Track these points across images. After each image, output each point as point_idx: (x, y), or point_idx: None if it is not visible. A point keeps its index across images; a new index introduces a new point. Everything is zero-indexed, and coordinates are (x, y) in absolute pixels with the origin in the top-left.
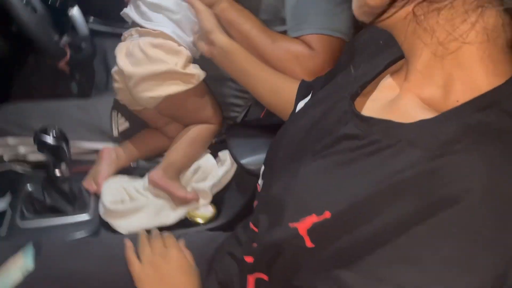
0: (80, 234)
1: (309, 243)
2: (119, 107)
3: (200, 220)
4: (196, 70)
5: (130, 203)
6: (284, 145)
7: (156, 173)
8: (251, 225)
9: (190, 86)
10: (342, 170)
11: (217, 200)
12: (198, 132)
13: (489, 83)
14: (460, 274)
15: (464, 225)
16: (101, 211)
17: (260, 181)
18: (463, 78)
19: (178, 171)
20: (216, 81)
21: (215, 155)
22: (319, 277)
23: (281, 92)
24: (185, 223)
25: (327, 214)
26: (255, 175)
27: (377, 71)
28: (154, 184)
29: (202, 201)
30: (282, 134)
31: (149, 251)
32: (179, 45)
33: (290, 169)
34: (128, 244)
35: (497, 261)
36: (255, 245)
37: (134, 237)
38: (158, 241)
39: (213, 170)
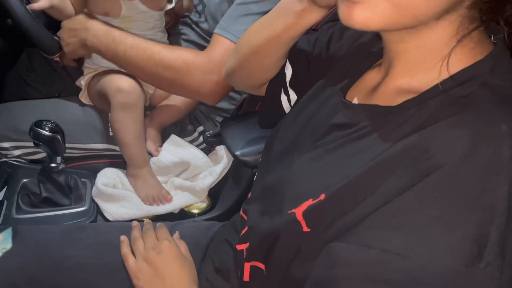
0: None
1: (305, 228)
2: None
3: (195, 211)
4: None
5: (121, 189)
6: (280, 139)
7: None
8: (241, 213)
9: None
10: (334, 154)
11: (212, 191)
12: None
13: (468, 61)
14: (442, 234)
15: (446, 187)
16: (93, 191)
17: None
18: (441, 60)
19: (140, 163)
20: None
21: (209, 149)
22: (315, 262)
23: None
24: (180, 214)
25: (322, 196)
26: (250, 166)
27: (365, 64)
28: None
29: (195, 199)
30: (278, 129)
31: (142, 246)
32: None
33: (285, 161)
34: (123, 239)
35: (479, 220)
36: (243, 232)
37: (128, 228)
38: (150, 234)
39: (208, 168)
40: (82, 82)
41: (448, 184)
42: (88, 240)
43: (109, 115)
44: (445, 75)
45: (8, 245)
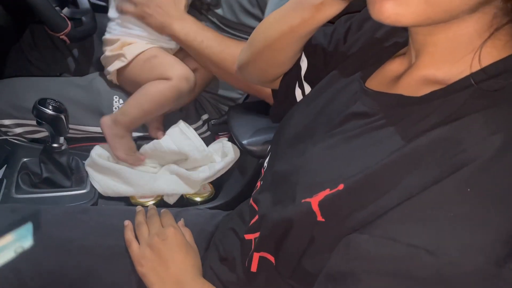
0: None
1: (319, 217)
2: (120, 93)
3: (197, 199)
4: (124, 51)
5: (114, 163)
6: (292, 126)
7: (106, 119)
8: (251, 202)
9: (124, 62)
10: (352, 143)
11: (216, 180)
12: (152, 85)
13: (499, 55)
14: (472, 231)
15: (478, 182)
16: (87, 161)
17: (265, 163)
18: (472, 53)
19: (129, 124)
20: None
21: (213, 137)
22: (329, 255)
23: None
24: (182, 201)
25: (340, 187)
26: (256, 156)
27: (385, 54)
28: (102, 128)
29: (187, 188)
30: (290, 116)
31: (146, 232)
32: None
33: (298, 149)
34: (127, 224)
35: (510, 218)
36: (253, 222)
37: (132, 212)
38: (155, 220)
39: (209, 162)
40: (126, 58)
41: (481, 180)
42: (91, 223)
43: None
44: (475, 68)
45: (26, 243)
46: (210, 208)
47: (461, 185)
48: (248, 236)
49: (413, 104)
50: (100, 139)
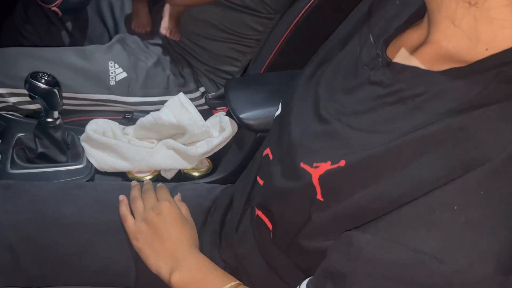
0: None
1: (319, 195)
2: (116, 57)
3: (195, 174)
4: None
5: (111, 138)
6: (298, 98)
7: None
8: (258, 179)
9: None
10: (361, 118)
11: (214, 154)
12: None
13: None
14: (483, 237)
15: (492, 186)
16: (82, 136)
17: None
18: (491, 28)
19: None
20: (215, 33)
21: (211, 112)
22: (328, 237)
23: None
24: (179, 176)
25: (342, 163)
26: (254, 130)
27: (398, 25)
28: None
29: (184, 163)
30: (295, 87)
31: (141, 206)
32: None
33: (305, 121)
34: (122, 198)
35: None
36: (253, 194)
37: (127, 187)
38: (150, 194)
39: (207, 137)
40: None
41: (495, 183)
42: (86, 198)
43: (109, 64)
44: (498, 49)
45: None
46: (208, 183)
47: (474, 187)
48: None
49: (430, 79)
50: (96, 112)
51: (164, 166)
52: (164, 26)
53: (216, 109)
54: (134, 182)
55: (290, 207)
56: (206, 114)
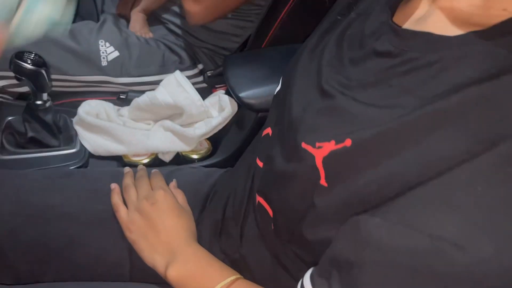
0: (65, 167)
1: (323, 180)
2: (107, 36)
3: (194, 156)
4: None
5: (105, 120)
6: (300, 72)
7: None
8: (257, 161)
9: None
10: (369, 91)
11: (214, 135)
12: None
13: None
14: (504, 224)
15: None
16: (74, 119)
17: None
18: None
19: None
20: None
21: (210, 90)
22: (333, 226)
23: None
24: (178, 159)
25: (347, 142)
26: (255, 110)
27: None
28: None
29: (183, 146)
30: (296, 61)
31: (135, 195)
32: None
33: (307, 97)
34: (113, 187)
35: None
36: (255, 179)
37: (120, 175)
38: (144, 182)
39: (206, 117)
40: None
41: None
42: (75, 187)
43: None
44: None
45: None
46: (208, 166)
47: (499, 163)
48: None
49: (445, 46)
50: (88, 93)
51: (161, 149)
52: (134, 31)
53: (215, 88)
54: (127, 169)
55: (291, 193)
56: (205, 93)
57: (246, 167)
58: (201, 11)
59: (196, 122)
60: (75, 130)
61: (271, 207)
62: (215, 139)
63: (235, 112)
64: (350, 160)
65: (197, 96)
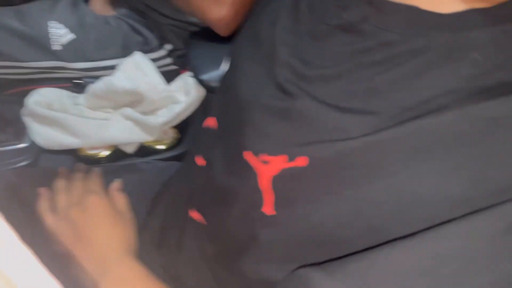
0: (14, 163)
1: (268, 207)
2: (59, 16)
3: (160, 147)
4: None
5: (57, 111)
6: (244, 54)
7: None
8: (196, 159)
9: None
10: (332, 86)
11: (182, 123)
12: None
13: None
14: None
15: None
16: (24, 110)
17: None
18: None
19: None
20: None
21: (179, 72)
22: (280, 266)
23: None
24: (144, 150)
25: (303, 161)
26: None
27: None
28: None
29: (144, 136)
30: (240, 46)
31: (64, 202)
32: None
33: (262, 71)
34: (42, 192)
35: None
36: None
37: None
38: (76, 186)
39: (171, 103)
40: None
41: None
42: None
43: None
44: None
45: None
46: (175, 157)
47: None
48: (192, 213)
49: (436, 26)
50: (40, 80)
51: (120, 140)
52: (93, 9)
53: (185, 69)
54: (61, 169)
55: (230, 217)
56: (175, 76)
57: (188, 165)
58: (228, 12)
59: (160, 109)
60: (25, 123)
61: (208, 226)
62: (184, 127)
63: (202, 96)
64: (304, 184)
65: (158, 79)
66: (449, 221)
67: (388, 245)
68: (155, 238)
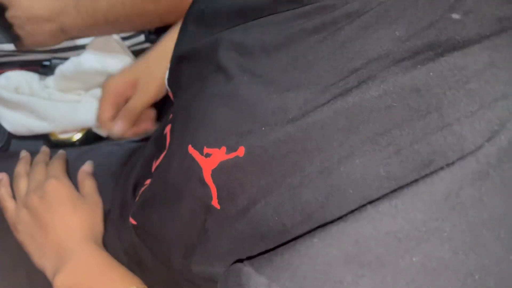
0: None
1: (214, 200)
2: None
3: None
4: None
5: (26, 95)
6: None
7: None
8: (167, 130)
9: None
10: (273, 58)
11: (161, 102)
12: None
13: None
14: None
15: (464, 202)
16: None
17: None
18: None
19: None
20: None
21: None
22: (223, 262)
23: None
24: None
25: (240, 151)
26: None
27: None
28: None
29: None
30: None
31: (24, 188)
32: None
33: (203, 54)
34: (1, 177)
35: None
36: (157, 163)
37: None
38: (38, 170)
39: None
40: None
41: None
42: None
43: None
44: None
45: None
46: (149, 137)
47: (438, 201)
48: (147, 182)
49: None
50: (6, 64)
51: (92, 123)
52: None
53: None
54: (22, 153)
55: (178, 216)
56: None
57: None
58: None
59: None
60: None
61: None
62: (160, 107)
63: None
64: (243, 175)
65: (129, 58)
66: (371, 202)
67: (311, 234)
68: (118, 221)
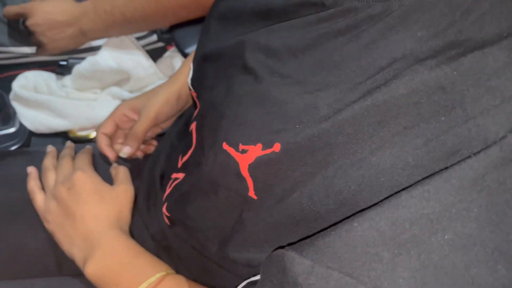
0: (5, 148)
1: (251, 192)
2: None
3: None
4: None
5: (44, 94)
6: (211, 36)
7: None
8: (192, 127)
9: None
10: (300, 60)
11: None
12: None
13: None
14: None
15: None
16: (11, 95)
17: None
18: None
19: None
20: None
21: (165, 48)
22: (263, 248)
23: None
24: None
25: (276, 147)
26: None
27: None
28: None
29: None
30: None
31: (52, 180)
32: None
33: (233, 51)
34: (30, 171)
35: None
36: (187, 156)
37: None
38: (64, 163)
39: (158, 80)
40: None
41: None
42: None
43: None
44: None
45: None
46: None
47: (466, 186)
48: (176, 175)
49: None
50: (26, 64)
51: None
52: None
53: (172, 44)
54: (49, 147)
55: (215, 208)
56: (161, 53)
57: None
58: None
59: (147, 86)
60: (13, 108)
61: (186, 225)
62: None
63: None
64: (279, 169)
65: (144, 56)
66: (404, 188)
67: (351, 218)
68: (145, 208)
